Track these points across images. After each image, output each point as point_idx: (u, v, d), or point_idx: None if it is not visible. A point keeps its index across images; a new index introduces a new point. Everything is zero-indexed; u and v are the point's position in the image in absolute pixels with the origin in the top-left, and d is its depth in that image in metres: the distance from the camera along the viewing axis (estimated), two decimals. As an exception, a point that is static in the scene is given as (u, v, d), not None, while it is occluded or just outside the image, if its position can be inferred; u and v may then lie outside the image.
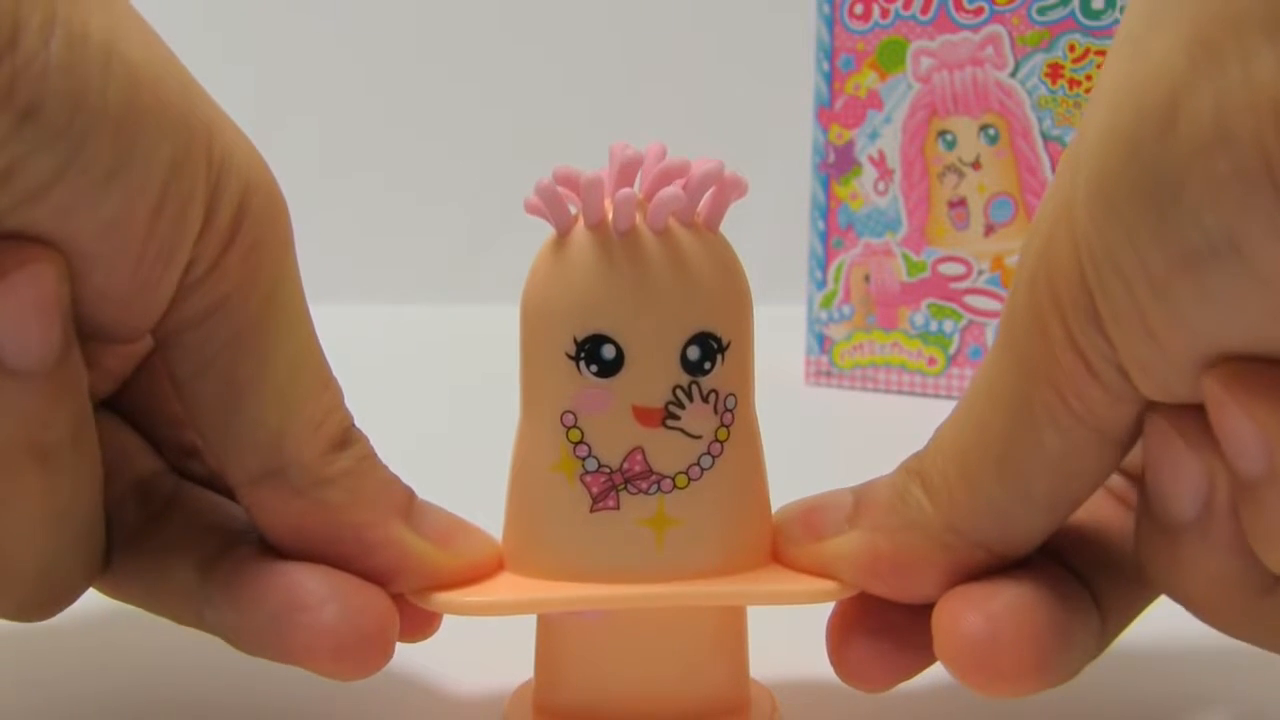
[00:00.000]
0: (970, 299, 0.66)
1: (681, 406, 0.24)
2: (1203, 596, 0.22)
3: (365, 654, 0.23)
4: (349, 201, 1.03)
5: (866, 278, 0.68)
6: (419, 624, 0.26)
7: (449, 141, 1.06)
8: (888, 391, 0.68)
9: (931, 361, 0.67)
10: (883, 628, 0.24)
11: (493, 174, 1.03)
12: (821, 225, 0.69)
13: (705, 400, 0.24)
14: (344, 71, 1.07)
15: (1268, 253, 0.18)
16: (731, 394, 0.24)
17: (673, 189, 0.23)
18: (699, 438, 0.24)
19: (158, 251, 0.22)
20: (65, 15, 0.20)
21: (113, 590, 0.27)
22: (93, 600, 0.26)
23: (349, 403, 0.25)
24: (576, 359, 0.24)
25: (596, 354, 0.23)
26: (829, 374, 0.69)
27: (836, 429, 0.63)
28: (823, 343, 0.69)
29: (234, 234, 0.22)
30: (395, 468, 0.25)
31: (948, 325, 0.67)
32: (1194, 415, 0.21)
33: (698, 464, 0.24)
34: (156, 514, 0.26)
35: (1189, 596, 0.22)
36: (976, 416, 0.23)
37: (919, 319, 0.67)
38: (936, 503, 0.23)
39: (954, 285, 0.66)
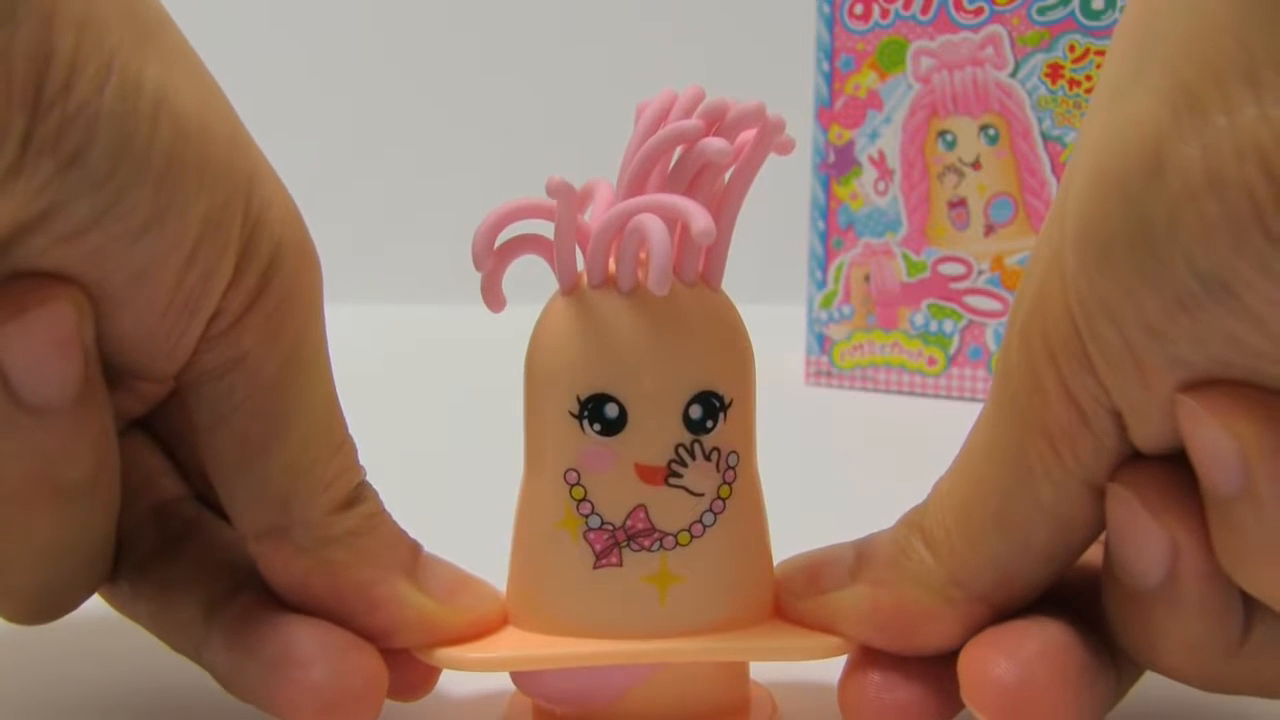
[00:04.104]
0: (970, 299, 0.66)
1: (684, 465, 0.24)
2: (1173, 661, 0.22)
3: (350, 714, 0.23)
4: (350, 201, 1.03)
5: (867, 278, 0.68)
6: (416, 681, 0.26)
7: (451, 140, 1.06)
8: (888, 391, 0.68)
9: (931, 361, 0.67)
10: (897, 682, 0.24)
11: (495, 174, 1.03)
12: (821, 225, 0.69)
13: (708, 458, 0.24)
14: (346, 71, 1.06)
15: (1258, 292, 0.18)
16: (734, 451, 0.24)
17: (718, 141, 0.23)
18: (701, 495, 0.24)
19: (185, 301, 0.22)
20: (122, 63, 0.20)
21: (119, 606, 0.27)
22: (95, 600, 0.26)
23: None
24: (580, 417, 0.24)
25: (599, 413, 0.24)
26: (829, 374, 0.69)
27: (836, 429, 0.63)
28: (823, 343, 0.69)
29: (261, 291, 0.23)
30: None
31: (948, 325, 0.67)
32: (1155, 482, 0.21)
33: (700, 521, 0.24)
34: (172, 541, 0.26)
35: (1159, 661, 0.23)
36: (973, 470, 0.23)
37: (919, 319, 0.67)
38: (938, 556, 0.23)
39: (954, 285, 0.66)
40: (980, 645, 0.23)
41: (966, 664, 0.23)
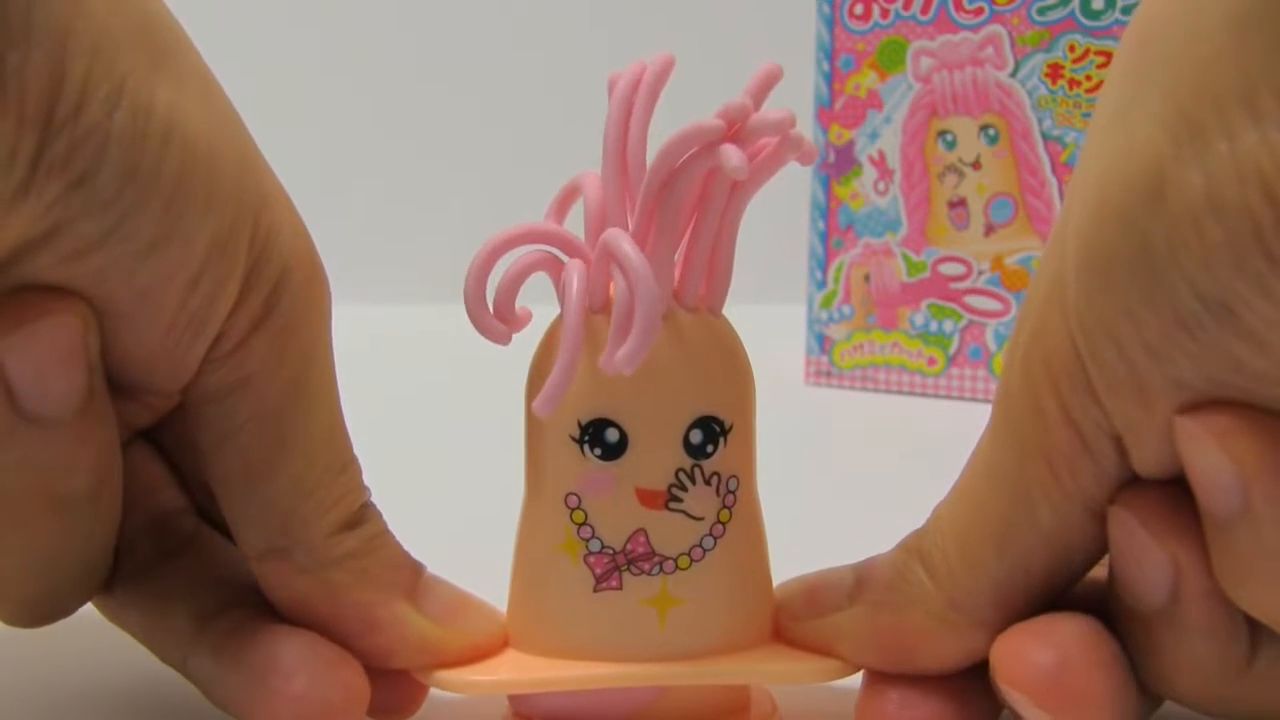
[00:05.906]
0: (970, 299, 0.66)
1: (684, 489, 0.24)
2: (1180, 684, 0.22)
3: None
4: (349, 200, 1.03)
5: (867, 278, 0.68)
6: (402, 701, 0.26)
7: (450, 140, 1.06)
8: (888, 391, 0.68)
9: (931, 361, 0.67)
10: (915, 700, 0.24)
11: (495, 173, 1.03)
12: (821, 225, 0.69)
13: (708, 483, 0.24)
14: (346, 69, 1.06)
15: (1258, 313, 0.18)
16: (734, 476, 0.24)
17: (737, 155, 0.22)
18: (701, 519, 0.24)
19: (189, 321, 0.22)
20: (134, 87, 0.20)
21: (110, 614, 0.27)
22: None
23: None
24: (580, 442, 0.24)
25: (600, 437, 0.24)
26: (829, 374, 0.69)
27: (836, 429, 0.63)
28: (823, 343, 0.69)
29: (265, 315, 0.23)
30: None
31: (948, 325, 0.67)
32: (1156, 504, 0.21)
33: (700, 545, 0.24)
34: (169, 553, 0.26)
35: (1166, 685, 0.23)
36: (973, 496, 0.23)
37: (919, 319, 0.67)
38: (937, 580, 0.23)
39: (954, 285, 0.66)
40: (1014, 634, 0.23)
41: (1001, 653, 0.23)
